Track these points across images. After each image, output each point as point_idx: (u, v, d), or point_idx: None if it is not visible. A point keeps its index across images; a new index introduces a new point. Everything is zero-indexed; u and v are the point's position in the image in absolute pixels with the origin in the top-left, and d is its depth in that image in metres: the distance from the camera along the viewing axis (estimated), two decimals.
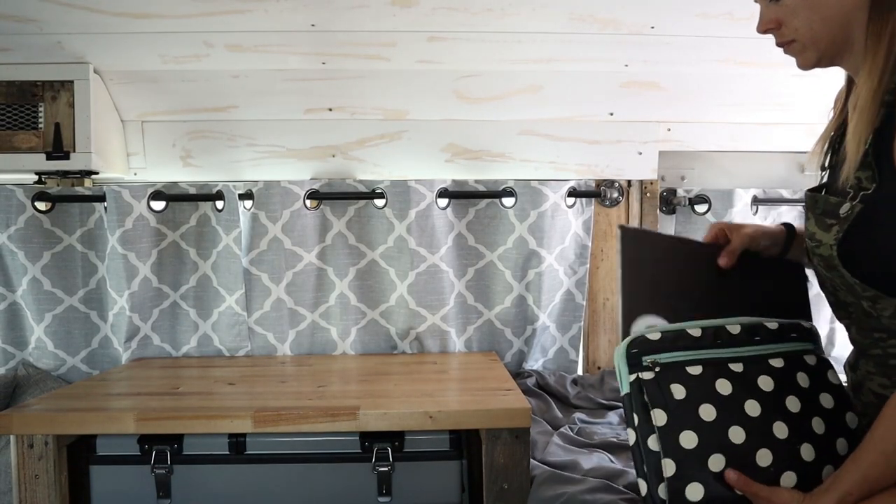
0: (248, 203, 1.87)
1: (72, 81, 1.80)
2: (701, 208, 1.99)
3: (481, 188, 1.92)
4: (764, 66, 1.85)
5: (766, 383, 0.92)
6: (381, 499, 1.40)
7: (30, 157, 1.80)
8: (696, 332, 0.96)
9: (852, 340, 1.01)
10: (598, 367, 2.02)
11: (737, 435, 0.89)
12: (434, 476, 1.41)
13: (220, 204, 1.87)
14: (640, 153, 1.99)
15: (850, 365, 1.04)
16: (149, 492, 1.40)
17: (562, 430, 1.64)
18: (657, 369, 0.92)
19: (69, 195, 1.86)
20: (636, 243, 1.05)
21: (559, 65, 1.87)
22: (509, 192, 1.91)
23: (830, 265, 0.92)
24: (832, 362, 1.00)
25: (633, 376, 0.93)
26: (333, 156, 1.98)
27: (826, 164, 1.01)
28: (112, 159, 1.90)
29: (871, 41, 0.85)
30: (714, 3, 1.75)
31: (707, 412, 0.90)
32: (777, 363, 0.95)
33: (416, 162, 1.99)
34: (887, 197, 0.84)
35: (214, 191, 1.87)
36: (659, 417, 0.90)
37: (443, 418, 1.31)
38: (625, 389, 0.94)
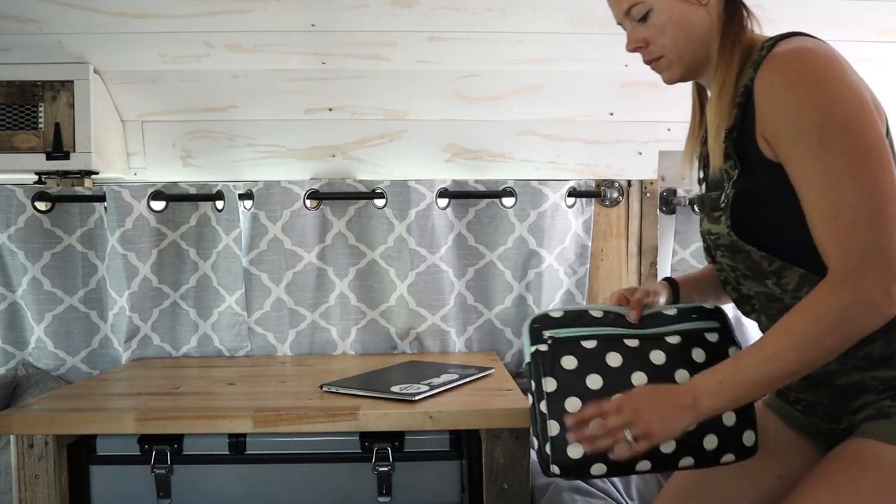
0: (248, 203, 1.87)
1: (72, 81, 1.80)
2: None
3: (481, 188, 1.92)
4: None
5: (657, 357, 1.01)
6: (381, 499, 1.40)
7: (30, 157, 1.80)
8: (597, 313, 1.07)
9: (763, 331, 1.05)
10: None
11: None
12: (434, 476, 1.41)
13: (220, 204, 1.87)
14: (640, 153, 1.99)
15: None
16: (149, 492, 1.40)
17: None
18: (549, 342, 1.02)
19: (69, 195, 1.86)
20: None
21: (559, 65, 1.87)
22: (509, 192, 1.91)
23: (735, 249, 0.98)
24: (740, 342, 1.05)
25: (534, 348, 1.03)
26: (333, 156, 1.98)
27: (701, 178, 1.15)
28: (112, 159, 1.90)
29: (723, 60, 0.97)
30: None
31: (593, 381, 0.99)
32: (674, 340, 1.03)
33: (416, 162, 1.99)
34: (756, 181, 0.95)
35: (214, 191, 1.87)
36: (549, 384, 1.00)
37: (443, 418, 1.31)
38: (527, 359, 1.04)
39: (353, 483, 1.40)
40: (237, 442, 1.40)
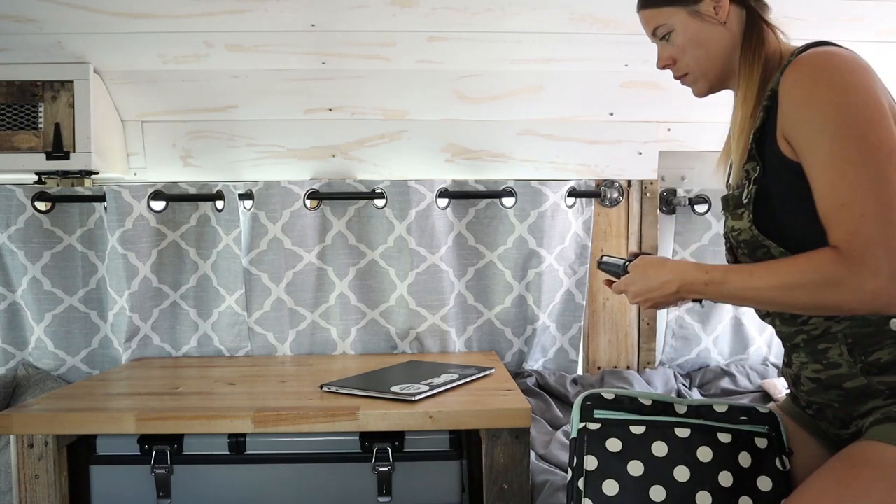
0: (248, 203, 1.87)
1: (72, 81, 1.80)
2: (701, 208, 1.99)
3: (481, 188, 1.92)
4: None
5: (704, 454, 1.00)
6: (381, 499, 1.40)
7: (30, 157, 1.80)
8: (646, 401, 1.08)
9: (779, 335, 1.09)
10: (598, 367, 2.02)
11: (657, 494, 0.98)
12: (434, 476, 1.41)
13: (220, 204, 1.87)
14: (640, 153, 1.99)
15: (785, 365, 1.11)
16: (149, 492, 1.40)
17: (564, 428, 1.64)
18: (599, 422, 1.04)
19: (69, 195, 1.86)
20: None
21: (559, 65, 1.87)
22: (509, 192, 1.91)
23: (755, 244, 1.01)
24: (788, 447, 1.05)
25: (582, 425, 1.05)
26: (333, 156, 1.98)
27: (728, 181, 1.16)
28: (112, 159, 1.90)
29: (744, 71, 1.03)
30: None
31: (635, 468, 1.00)
32: (725, 438, 1.02)
33: (416, 162, 1.99)
34: (775, 180, 0.98)
35: (214, 191, 1.87)
36: (590, 463, 1.01)
37: (443, 418, 1.31)
38: (573, 434, 1.06)
39: (353, 483, 1.40)
40: (237, 442, 1.40)
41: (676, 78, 1.12)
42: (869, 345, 0.95)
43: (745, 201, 1.01)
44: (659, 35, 1.09)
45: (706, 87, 1.10)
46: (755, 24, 1.04)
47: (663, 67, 1.12)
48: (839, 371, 0.98)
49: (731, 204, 1.06)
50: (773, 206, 0.98)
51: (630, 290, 1.11)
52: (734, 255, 1.10)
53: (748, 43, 1.03)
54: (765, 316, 1.11)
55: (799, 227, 0.96)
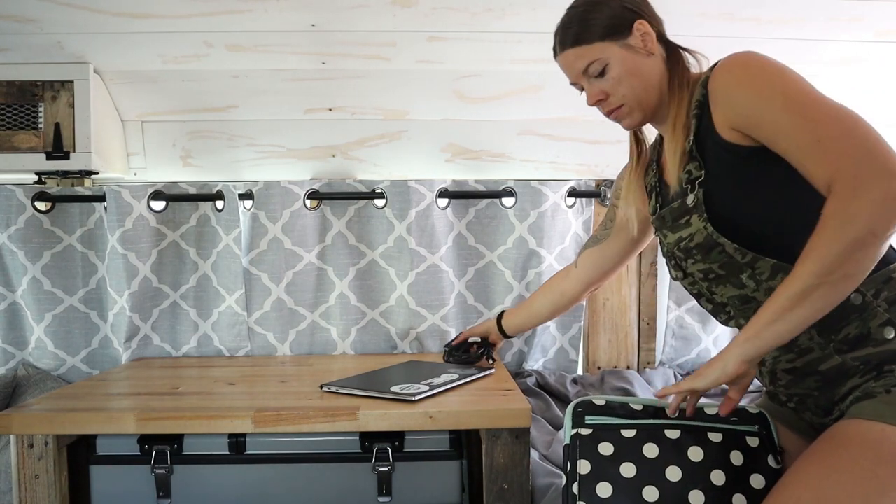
0: (248, 203, 1.87)
1: (72, 81, 1.80)
2: None
3: (481, 188, 1.92)
4: None
5: (695, 454, 1.02)
6: (381, 499, 1.40)
7: (30, 157, 1.80)
8: (637, 406, 1.10)
9: None
10: (598, 367, 2.02)
11: (650, 494, 1.00)
12: (434, 476, 1.41)
13: (220, 204, 1.87)
14: None
15: (759, 364, 1.11)
16: (149, 492, 1.40)
17: None
18: (591, 427, 1.07)
19: (69, 195, 1.86)
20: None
21: None
22: (509, 192, 1.91)
23: (709, 245, 1.03)
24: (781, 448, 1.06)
25: (574, 431, 1.08)
26: (333, 156, 1.98)
27: (656, 207, 1.20)
28: (112, 159, 1.90)
29: (676, 96, 1.08)
30: (714, 3, 1.75)
31: (627, 470, 1.02)
32: (715, 438, 1.04)
33: (416, 162, 1.99)
34: (722, 175, 1.01)
35: (214, 191, 1.87)
36: (583, 467, 1.04)
37: (443, 418, 1.31)
38: (566, 441, 1.08)
39: (353, 483, 1.40)
40: (237, 442, 1.40)
41: (608, 112, 1.14)
42: (835, 322, 0.97)
43: (691, 205, 1.04)
44: (592, 72, 1.11)
45: (640, 117, 1.13)
46: (674, 52, 1.11)
47: (595, 103, 1.14)
48: (813, 356, 1.00)
49: (670, 218, 1.10)
50: (722, 205, 1.02)
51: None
52: (682, 269, 1.12)
53: (675, 70, 1.10)
54: (727, 321, 1.13)
55: (749, 223, 1.00)
